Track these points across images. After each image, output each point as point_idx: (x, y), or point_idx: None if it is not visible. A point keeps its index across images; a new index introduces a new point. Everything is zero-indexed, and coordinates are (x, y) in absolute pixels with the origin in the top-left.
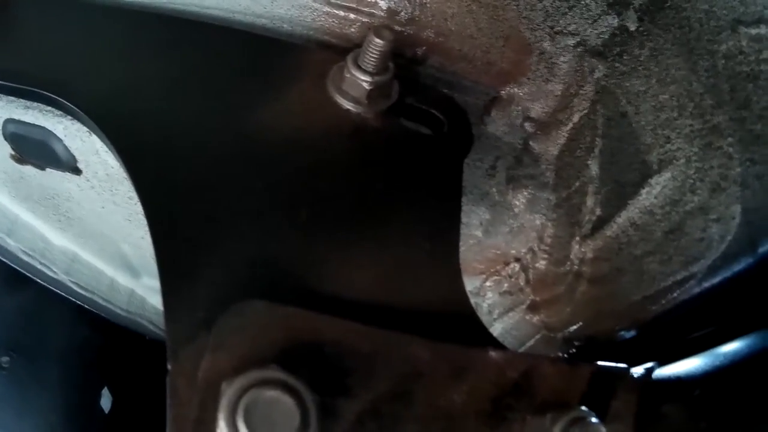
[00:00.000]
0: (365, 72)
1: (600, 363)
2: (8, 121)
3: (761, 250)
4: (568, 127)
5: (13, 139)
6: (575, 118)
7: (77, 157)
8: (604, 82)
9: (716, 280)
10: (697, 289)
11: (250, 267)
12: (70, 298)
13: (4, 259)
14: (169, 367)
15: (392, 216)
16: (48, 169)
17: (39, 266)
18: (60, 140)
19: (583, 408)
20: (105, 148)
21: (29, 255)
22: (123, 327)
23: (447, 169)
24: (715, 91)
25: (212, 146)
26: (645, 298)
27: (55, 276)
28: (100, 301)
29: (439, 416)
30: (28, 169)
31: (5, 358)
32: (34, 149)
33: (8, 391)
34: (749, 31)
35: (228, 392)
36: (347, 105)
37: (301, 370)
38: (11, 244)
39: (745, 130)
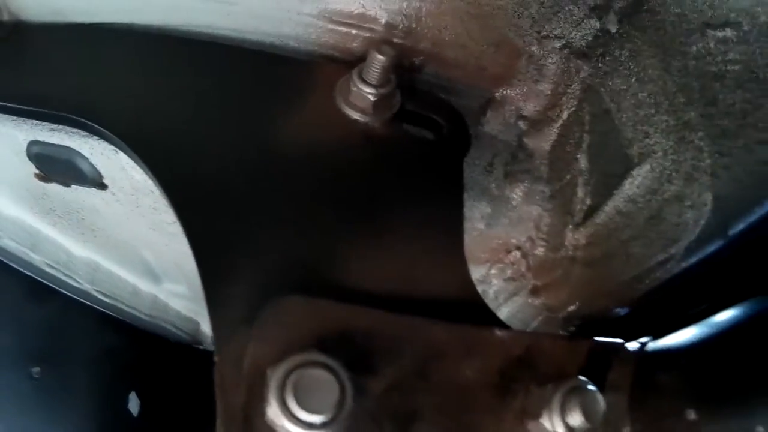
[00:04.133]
0: (370, 85)
1: (597, 339)
2: (33, 143)
3: (731, 232)
4: (558, 124)
5: (38, 159)
6: (564, 115)
7: (103, 173)
8: (589, 81)
9: (693, 260)
10: (676, 269)
11: (282, 266)
12: (95, 306)
13: (29, 273)
14: (215, 359)
15: (403, 214)
16: (73, 186)
17: (63, 277)
18: (86, 159)
19: (582, 377)
20: (131, 164)
21: (53, 267)
22: (147, 331)
23: (449, 169)
24: (687, 90)
25: (236, 158)
26: (632, 278)
27: (79, 286)
28: (124, 308)
29: (454, 389)
30: (52, 186)
31: (36, 369)
32: (60, 168)
33: (40, 399)
34: (716, 33)
35: (276, 374)
36: (355, 116)
37: (335, 353)
38: (35, 258)
39: (713, 126)
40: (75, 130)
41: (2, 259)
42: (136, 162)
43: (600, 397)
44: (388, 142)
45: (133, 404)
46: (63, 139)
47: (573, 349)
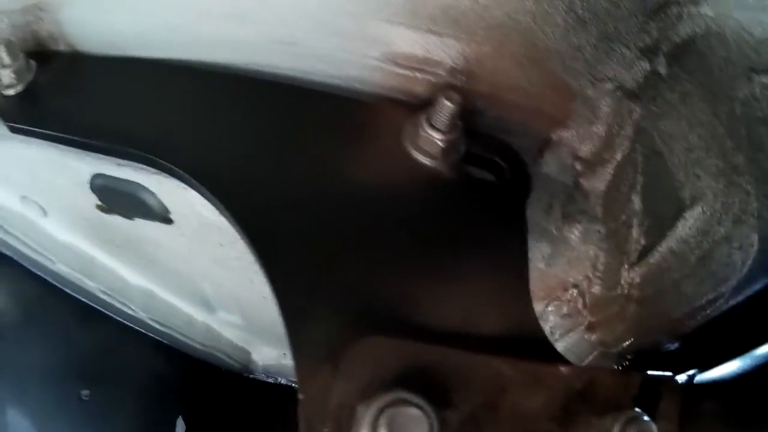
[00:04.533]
0: (438, 131)
1: (648, 372)
2: (97, 176)
3: None
4: (613, 165)
5: (101, 192)
6: (618, 157)
7: (170, 209)
8: (642, 123)
9: (740, 297)
10: (725, 306)
11: (360, 306)
12: (150, 334)
13: (83, 298)
14: (300, 396)
15: (470, 255)
16: (136, 219)
17: (118, 305)
18: (153, 194)
19: (637, 409)
20: (201, 201)
21: (107, 294)
22: (198, 359)
23: (512, 211)
24: (735, 134)
25: (310, 200)
26: (684, 315)
27: (133, 313)
28: (179, 336)
29: (521, 421)
30: (114, 218)
31: (86, 391)
32: (124, 201)
33: (87, 421)
34: (761, 79)
35: (370, 410)
36: (424, 160)
37: (417, 389)
38: (89, 284)
39: (760, 170)
40: (142, 166)
41: (56, 283)
42: (213, 204)
43: (654, 427)
44: (455, 186)
45: (179, 430)
46: (130, 174)
47: (627, 382)
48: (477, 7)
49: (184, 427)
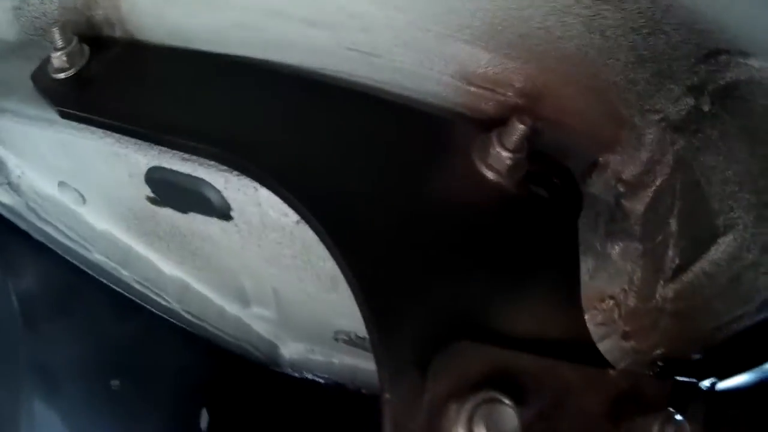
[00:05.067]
0: (508, 150)
1: (678, 379)
2: (156, 169)
3: None
4: (652, 189)
5: (158, 185)
6: (658, 182)
7: (233, 206)
8: (682, 154)
9: (762, 316)
10: (749, 323)
11: (445, 313)
12: (181, 324)
13: (117, 288)
14: (386, 396)
15: (534, 265)
16: (191, 213)
17: (152, 295)
18: (218, 191)
19: (671, 409)
20: (269, 201)
21: (142, 284)
22: (226, 350)
23: (567, 227)
24: (767, 174)
25: (389, 208)
26: (712, 328)
27: (167, 304)
28: (209, 328)
29: (582, 418)
30: (164, 210)
31: (116, 381)
32: (182, 196)
33: (115, 411)
34: None
35: (465, 408)
36: (492, 176)
37: (500, 389)
38: (124, 274)
39: None
40: (212, 162)
41: (91, 272)
42: (297, 209)
43: (687, 426)
44: (519, 201)
45: (204, 420)
46: (195, 170)
47: (663, 386)
48: (551, 38)
49: (208, 418)
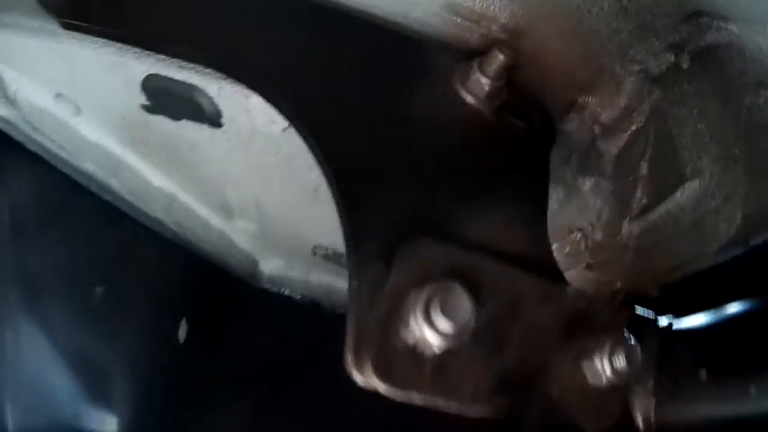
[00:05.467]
0: (487, 77)
1: (636, 311)
2: (152, 76)
3: (751, 243)
4: (628, 134)
5: (153, 92)
6: (633, 128)
7: (224, 113)
8: (658, 104)
9: (719, 259)
10: (706, 265)
11: (409, 215)
12: (166, 235)
13: (107, 197)
14: (353, 283)
15: (503, 184)
16: (183, 120)
17: (139, 204)
18: (210, 98)
19: (627, 333)
20: (258, 108)
21: (131, 194)
22: (208, 263)
23: (539, 155)
24: (736, 131)
25: (372, 121)
26: (671, 267)
27: (153, 214)
28: (194, 240)
29: (534, 328)
30: (156, 118)
31: (99, 289)
32: (176, 103)
33: (97, 318)
34: (767, 93)
35: (423, 293)
36: (470, 100)
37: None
38: (114, 184)
39: (751, 163)
40: (208, 69)
41: (80, 181)
42: (282, 111)
43: (639, 349)
44: (494, 126)
45: (182, 331)
46: (191, 77)
47: (620, 314)
48: None
49: (186, 328)
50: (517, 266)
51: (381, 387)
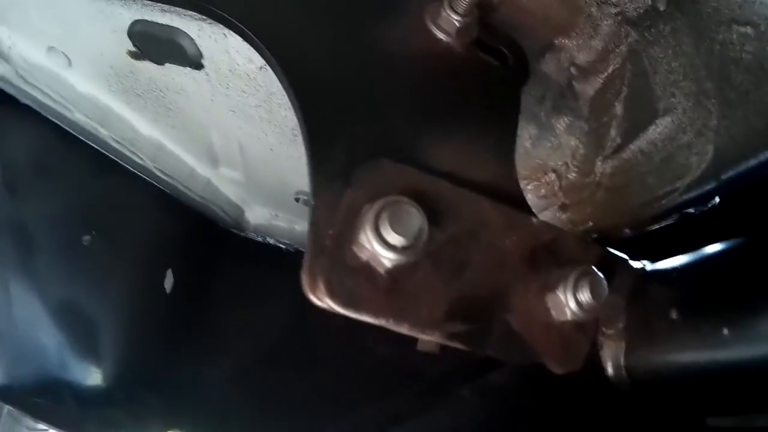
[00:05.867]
0: (457, 13)
1: (608, 249)
2: (138, 22)
3: (723, 177)
4: (604, 75)
5: (139, 37)
6: (609, 69)
7: (205, 54)
8: (635, 46)
9: (691, 195)
10: (678, 200)
11: (373, 139)
12: (153, 182)
13: (95, 146)
14: (314, 203)
15: (470, 116)
16: (167, 64)
17: (127, 153)
18: (191, 39)
19: (593, 267)
20: (237, 48)
21: (119, 142)
22: (195, 211)
23: (510, 91)
24: (709, 66)
25: (342, 52)
26: (643, 203)
27: (141, 162)
28: (180, 187)
29: (496, 252)
30: (142, 64)
31: (87, 237)
32: (160, 47)
33: (84, 266)
34: (739, 28)
35: (375, 206)
36: (441, 36)
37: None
38: (102, 133)
39: (723, 96)
40: (189, 12)
41: (71, 131)
42: (258, 49)
43: (605, 283)
44: (464, 60)
45: (168, 281)
46: (173, 20)
47: (589, 249)
48: None
49: (172, 278)
50: (481, 193)
51: (333, 306)
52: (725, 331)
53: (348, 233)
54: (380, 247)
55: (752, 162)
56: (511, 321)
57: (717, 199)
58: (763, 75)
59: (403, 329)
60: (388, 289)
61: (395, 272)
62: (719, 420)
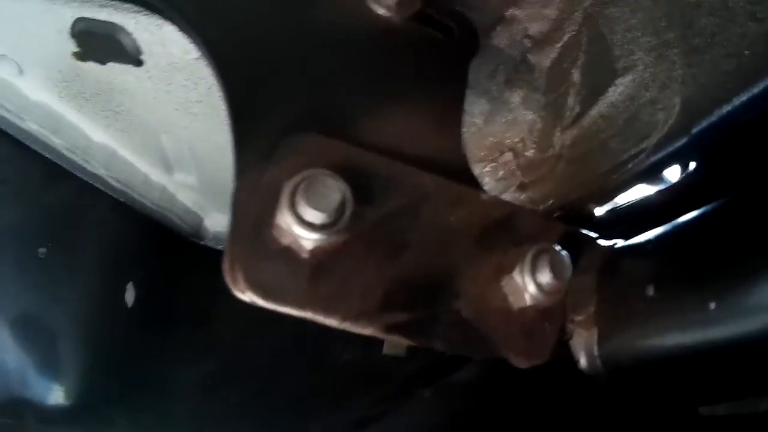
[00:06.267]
0: None
1: (572, 226)
2: (79, 20)
3: (694, 131)
4: (560, 45)
5: (81, 36)
6: (565, 38)
7: (143, 48)
8: (590, 10)
9: (661, 154)
10: (646, 162)
11: (301, 114)
12: (107, 192)
13: (48, 155)
14: (235, 185)
15: (411, 90)
16: (109, 64)
17: (80, 162)
18: (129, 34)
19: (553, 245)
20: (172, 38)
21: (72, 152)
22: (152, 221)
23: (455, 65)
24: (670, 16)
25: (274, 30)
26: (608, 170)
27: (94, 171)
28: (135, 195)
29: (440, 231)
30: (87, 66)
31: (42, 249)
32: (101, 44)
33: (41, 280)
34: None
35: (291, 182)
36: (380, 11)
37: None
38: (55, 142)
39: (687, 44)
40: (126, 5)
41: (23, 141)
42: (184, 30)
43: (568, 260)
44: (405, 35)
45: (129, 295)
46: (111, 15)
47: (549, 226)
48: None
49: (134, 292)
50: (423, 168)
51: (254, 298)
52: (712, 305)
53: (268, 215)
54: (298, 227)
55: (725, 109)
56: (462, 309)
57: (692, 165)
58: (729, 14)
59: (333, 322)
60: (313, 276)
61: (320, 256)
62: (713, 409)
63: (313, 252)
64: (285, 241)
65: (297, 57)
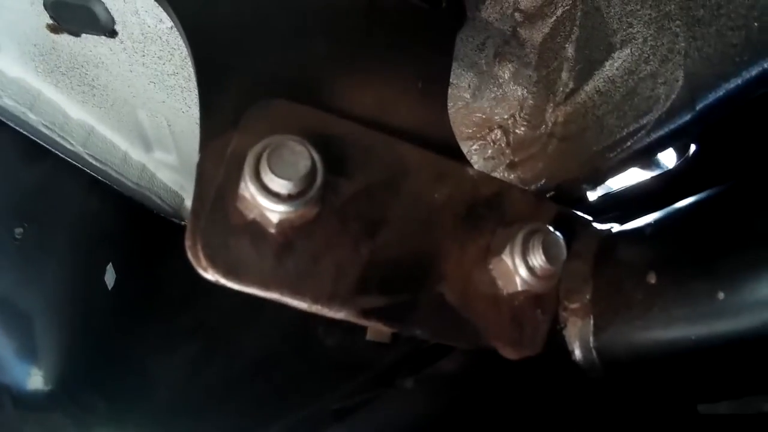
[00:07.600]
0: None
1: (566, 207)
2: None
3: (699, 106)
4: (552, 19)
5: (54, 7)
6: (558, 12)
7: (116, 18)
8: None
9: (662, 131)
10: (646, 139)
11: (273, 80)
12: (85, 169)
13: (25, 132)
14: (199, 154)
15: (394, 59)
16: (83, 35)
17: (58, 138)
18: (102, 3)
19: (546, 225)
20: (145, 7)
21: (49, 128)
22: (132, 200)
23: (442, 35)
24: None
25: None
26: (604, 147)
27: (72, 148)
28: (113, 174)
29: (422, 208)
30: (61, 38)
31: (19, 230)
32: (74, 15)
33: (18, 261)
34: None
35: (255, 150)
36: None
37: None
38: (32, 118)
39: (690, 16)
40: None
41: (0, 117)
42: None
43: (562, 241)
44: (391, 5)
45: (109, 276)
46: None
47: (541, 206)
48: None
49: (114, 274)
50: (403, 139)
51: (217, 276)
52: (721, 295)
53: (232, 187)
54: (263, 198)
55: (733, 83)
56: (446, 293)
57: (693, 147)
58: None
59: (303, 304)
60: (280, 253)
61: (288, 231)
62: (713, 407)
63: (281, 226)
64: (250, 214)
65: (268, 19)
